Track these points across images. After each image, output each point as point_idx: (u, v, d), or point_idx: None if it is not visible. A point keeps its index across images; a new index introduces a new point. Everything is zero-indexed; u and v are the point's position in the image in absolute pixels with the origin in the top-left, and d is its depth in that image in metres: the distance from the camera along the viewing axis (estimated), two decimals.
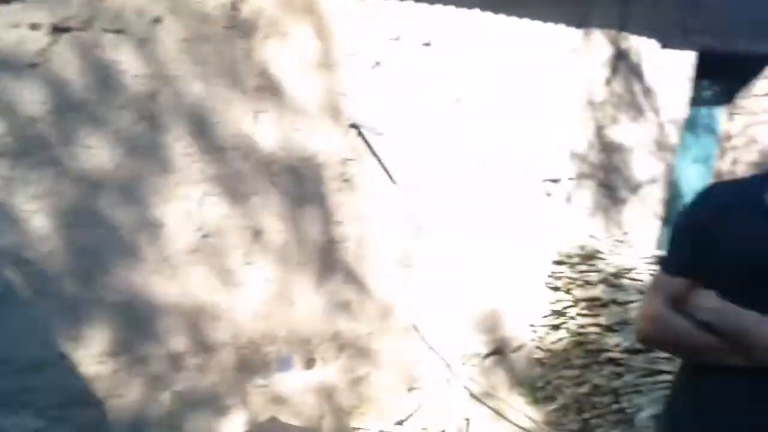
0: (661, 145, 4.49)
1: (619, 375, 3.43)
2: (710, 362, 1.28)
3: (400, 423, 3.49)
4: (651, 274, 3.67)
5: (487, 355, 3.91)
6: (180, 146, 2.67)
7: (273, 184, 2.93)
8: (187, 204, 2.73)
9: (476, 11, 3.29)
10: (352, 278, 3.29)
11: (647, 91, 4.29)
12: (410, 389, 3.58)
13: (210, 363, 2.91)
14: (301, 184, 3.01)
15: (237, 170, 2.80)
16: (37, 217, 2.44)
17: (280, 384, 3.13)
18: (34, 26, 2.34)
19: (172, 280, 2.76)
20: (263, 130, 2.83)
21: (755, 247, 1.25)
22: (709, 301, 1.26)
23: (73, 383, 2.58)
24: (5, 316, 2.44)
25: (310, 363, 3.23)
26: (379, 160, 3.20)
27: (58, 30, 2.37)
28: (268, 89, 2.80)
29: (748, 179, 1.38)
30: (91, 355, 2.61)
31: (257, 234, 2.93)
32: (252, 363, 3.04)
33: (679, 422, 1.41)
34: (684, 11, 4.16)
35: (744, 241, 1.27)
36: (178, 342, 2.81)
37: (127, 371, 2.69)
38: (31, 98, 2.37)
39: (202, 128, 2.69)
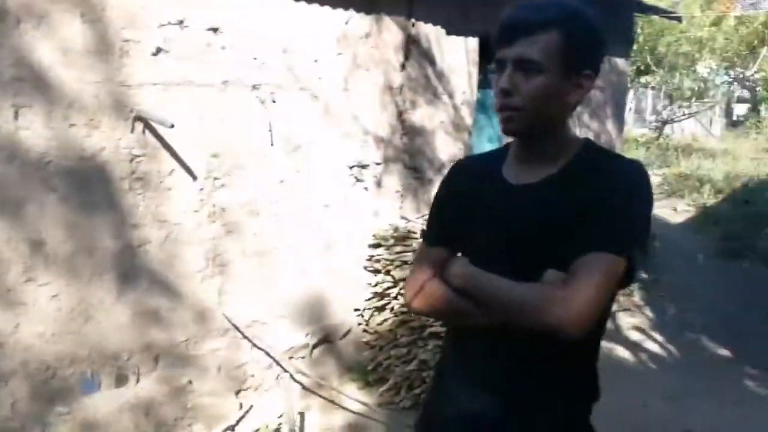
0: (458, 127, 4.79)
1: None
2: (465, 324, 1.37)
3: (231, 428, 3.33)
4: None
5: (315, 346, 3.88)
6: None
7: (50, 189, 2.62)
8: None
9: None
10: (159, 284, 3.06)
11: (440, 75, 4.55)
12: (238, 391, 3.44)
13: None
14: (84, 187, 2.73)
15: (1, 175, 2.46)
16: None
17: (88, 408, 2.82)
18: None
19: None
20: (28, 127, 2.52)
21: (495, 217, 1.35)
22: (460, 268, 1.34)
23: None
24: None
25: (121, 379, 2.95)
26: (174, 155, 3.01)
27: None
28: (29, 81, 2.49)
29: (494, 152, 1.48)
30: None
31: (36, 246, 2.60)
32: (50, 390, 2.70)
33: (435, 382, 1.54)
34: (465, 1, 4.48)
35: (487, 212, 1.36)
36: None
37: None
38: None
39: None
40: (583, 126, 6.34)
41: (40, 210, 2.60)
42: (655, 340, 5.42)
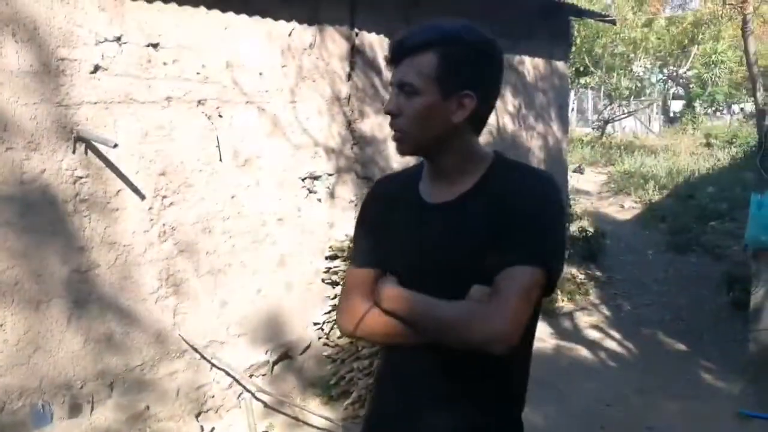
0: None
1: None
2: (397, 344, 1.39)
3: None
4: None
5: (275, 363, 3.82)
6: None
7: None
8: None
9: (202, 10, 3.20)
10: (111, 308, 2.97)
11: (386, 84, 4.58)
12: (198, 414, 3.35)
13: None
14: (26, 212, 2.63)
15: None
16: None
17: None
18: None
19: None
20: None
21: (415, 236, 1.37)
22: (389, 290, 1.36)
23: None
24: None
25: (75, 409, 2.84)
26: (120, 174, 2.94)
27: None
28: None
29: (412, 169, 1.50)
30: None
31: None
32: None
33: (371, 395, 1.58)
34: (406, 9, 4.52)
35: (406, 231, 1.39)
36: None
37: None
38: None
39: None
40: (529, 128, 6.48)
41: None
42: (613, 338, 5.54)
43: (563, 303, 6.19)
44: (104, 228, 2.90)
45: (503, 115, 6.03)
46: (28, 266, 2.65)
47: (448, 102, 1.28)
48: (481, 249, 1.26)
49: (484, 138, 5.92)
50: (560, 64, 6.95)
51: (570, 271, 6.69)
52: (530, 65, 6.37)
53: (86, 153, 2.80)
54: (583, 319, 5.98)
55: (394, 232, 1.40)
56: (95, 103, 2.81)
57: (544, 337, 5.26)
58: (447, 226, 1.32)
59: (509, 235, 1.25)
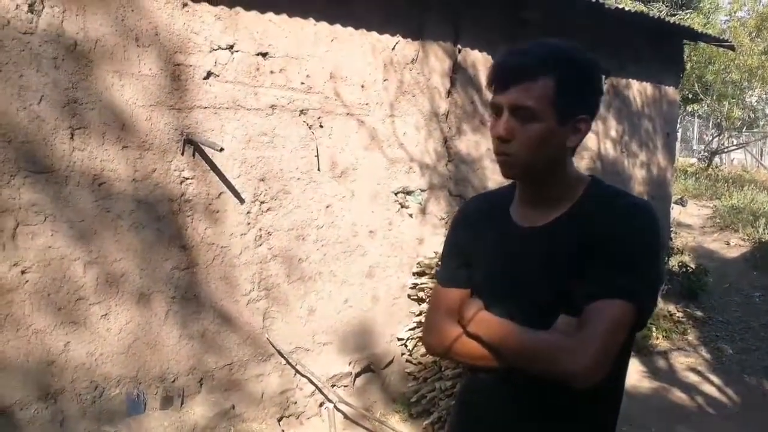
0: None
1: None
2: (480, 366, 1.36)
3: None
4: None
5: (358, 375, 3.80)
6: None
7: (103, 209, 2.66)
8: None
9: (311, 21, 3.27)
10: (206, 306, 3.06)
11: (486, 102, 4.51)
12: (280, 418, 3.37)
13: (46, 414, 2.54)
14: (135, 208, 2.76)
15: (54, 194, 2.51)
16: None
17: (133, 428, 2.80)
18: None
19: None
20: (83, 148, 2.57)
21: (505, 259, 1.34)
22: (473, 313, 1.34)
23: None
24: None
25: (166, 401, 2.93)
26: (223, 178, 3.03)
27: None
28: (84, 103, 2.55)
29: (502, 190, 1.46)
30: None
31: (87, 265, 2.63)
32: (97, 409, 2.70)
33: (450, 418, 1.57)
34: (513, 28, 4.45)
35: (496, 254, 1.36)
36: (7, 395, 2.43)
37: None
38: None
39: (5, 147, 2.38)
40: (632, 156, 6.19)
41: (92, 230, 2.64)
42: (712, 383, 5.14)
43: (658, 341, 5.82)
44: (205, 228, 3.00)
45: (605, 140, 5.79)
46: (134, 260, 2.78)
47: (564, 127, 1.24)
48: (571, 277, 1.22)
49: (584, 163, 5.71)
50: (670, 90, 6.61)
51: (667, 307, 6.30)
52: (637, 89, 6.10)
53: (194, 155, 2.91)
54: (680, 360, 5.59)
55: (484, 254, 1.38)
56: (205, 107, 2.93)
57: (636, 375, 4.96)
58: (538, 251, 1.29)
59: (601, 265, 1.20)
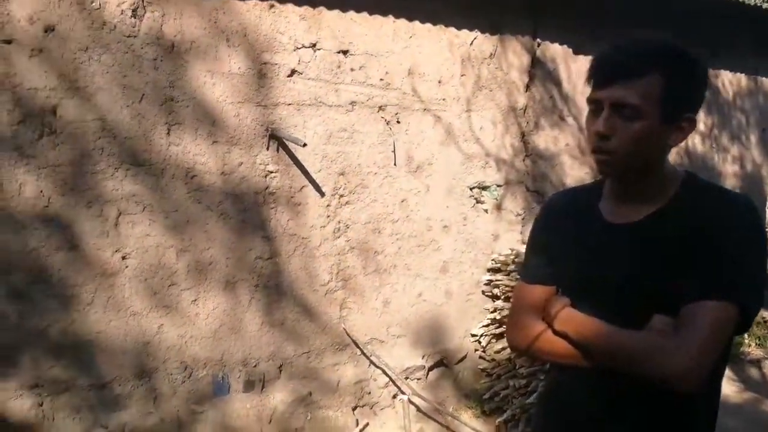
0: (584, 150, 4.62)
1: None
2: (567, 365, 1.33)
3: None
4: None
5: (431, 369, 3.84)
6: (88, 163, 2.54)
7: (194, 200, 2.83)
8: (103, 224, 2.59)
9: (390, 19, 3.33)
10: (286, 295, 3.18)
11: (566, 97, 4.43)
12: (354, 407, 3.47)
13: (141, 391, 2.74)
14: (223, 200, 2.92)
15: (152, 186, 2.69)
16: None
17: (219, 409, 2.97)
18: None
19: (94, 304, 2.59)
20: (178, 143, 2.74)
21: (595, 256, 1.30)
22: (562, 312, 1.31)
23: None
24: None
25: (248, 385, 3.08)
26: (305, 172, 3.15)
27: None
28: (180, 101, 2.72)
29: (588, 187, 1.44)
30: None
31: (178, 252, 2.80)
32: (186, 389, 2.88)
33: (535, 417, 1.57)
34: (592, 20, 4.34)
35: (585, 251, 1.33)
36: (107, 371, 2.64)
37: (52, 405, 2.49)
38: None
39: (110, 142, 2.57)
40: (721, 151, 5.90)
41: (184, 218, 2.81)
42: None
43: (750, 348, 5.52)
44: (287, 220, 3.12)
45: (693, 134, 5.55)
46: (221, 249, 2.94)
47: (667, 125, 1.20)
48: (666, 275, 1.18)
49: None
50: (767, 81, 6.24)
51: (762, 313, 5.95)
52: (729, 80, 5.79)
53: (278, 150, 3.04)
54: None
55: (570, 252, 1.35)
56: (289, 104, 3.04)
57: (726, 384, 4.73)
58: (631, 248, 1.25)
59: (702, 264, 1.15)
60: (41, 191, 2.45)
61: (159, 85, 2.65)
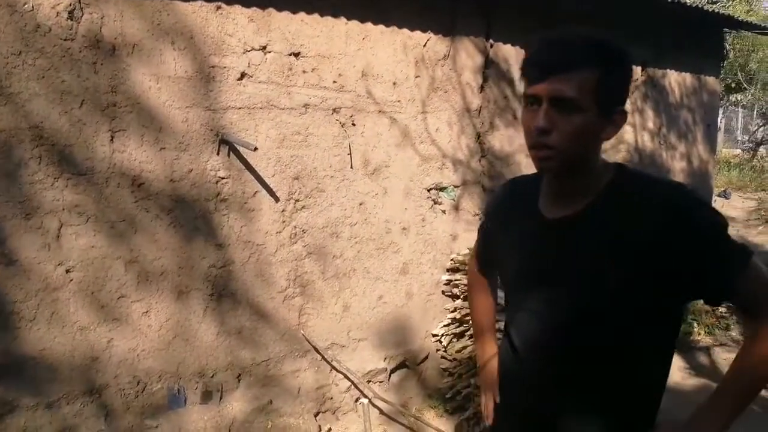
0: None
1: None
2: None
3: None
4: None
5: (393, 371, 3.82)
6: (25, 173, 2.42)
7: (143, 209, 2.73)
8: (44, 236, 2.48)
9: (342, 20, 3.29)
10: (242, 303, 3.11)
11: (519, 97, 4.46)
12: (317, 413, 3.41)
13: (91, 408, 2.63)
14: (173, 208, 2.83)
15: (96, 195, 2.59)
16: None
17: (174, 422, 2.88)
18: None
19: (37, 321, 2.47)
20: (122, 150, 2.64)
21: (528, 250, 1.36)
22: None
23: None
24: None
25: (206, 396, 3.00)
26: (258, 177, 3.08)
27: None
28: (123, 106, 2.62)
29: (529, 178, 1.45)
30: None
31: (128, 264, 2.71)
32: (140, 403, 2.78)
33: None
34: (543, 20, 4.39)
35: (521, 244, 1.38)
36: (54, 389, 2.53)
37: None
38: None
39: (48, 151, 2.46)
40: (670, 148, 6.05)
41: (132, 229, 2.71)
42: None
43: (700, 336, 5.69)
44: (240, 227, 3.05)
45: (642, 132, 5.68)
46: (173, 258, 2.85)
47: (603, 119, 1.21)
48: (603, 266, 1.21)
49: (621, 156, 5.60)
50: (710, 80, 6.43)
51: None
52: (675, 79, 5.95)
53: (229, 155, 2.97)
54: (723, 356, 5.44)
55: (508, 244, 1.42)
56: (239, 108, 2.97)
57: (677, 371, 4.86)
58: (567, 242, 1.28)
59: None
60: None
61: (100, 89, 2.55)
